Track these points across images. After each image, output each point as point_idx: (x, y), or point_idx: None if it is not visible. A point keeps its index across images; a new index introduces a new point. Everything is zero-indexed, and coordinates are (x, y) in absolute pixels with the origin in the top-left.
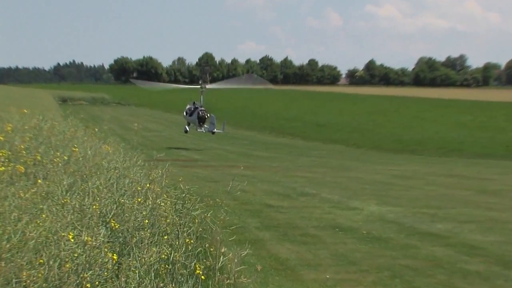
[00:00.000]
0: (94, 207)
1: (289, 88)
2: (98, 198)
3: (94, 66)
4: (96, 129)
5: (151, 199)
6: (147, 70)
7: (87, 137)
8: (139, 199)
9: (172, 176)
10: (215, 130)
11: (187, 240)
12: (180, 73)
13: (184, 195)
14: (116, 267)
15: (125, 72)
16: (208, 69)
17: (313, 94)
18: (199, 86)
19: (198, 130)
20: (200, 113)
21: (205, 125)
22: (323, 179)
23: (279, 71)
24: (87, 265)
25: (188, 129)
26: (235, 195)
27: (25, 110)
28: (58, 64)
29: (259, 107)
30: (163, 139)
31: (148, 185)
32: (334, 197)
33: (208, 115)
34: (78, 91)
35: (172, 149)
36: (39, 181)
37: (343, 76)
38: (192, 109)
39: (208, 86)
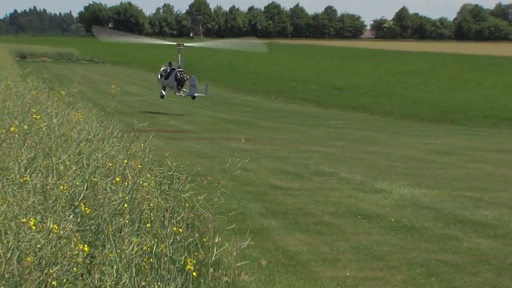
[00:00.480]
0: (60, 187)
1: (301, 43)
2: (65, 177)
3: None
4: (63, 92)
5: (130, 178)
6: (125, 19)
7: (51, 102)
8: (117, 179)
9: (156, 151)
10: (197, 93)
11: (175, 228)
12: (167, 23)
13: (171, 173)
14: (88, 261)
15: (98, 21)
16: (200, 19)
17: (331, 50)
18: (175, 43)
19: (177, 94)
20: (178, 74)
21: (184, 89)
22: (343, 155)
23: (289, 21)
24: (52, 258)
25: (164, 94)
26: (235, 174)
27: None
28: (15, 11)
29: (263, 66)
30: (146, 105)
31: (126, 161)
32: (355, 177)
33: (187, 76)
34: (40, 44)
35: (157, 117)
36: None
37: (368, 28)
38: (168, 70)
39: (187, 44)
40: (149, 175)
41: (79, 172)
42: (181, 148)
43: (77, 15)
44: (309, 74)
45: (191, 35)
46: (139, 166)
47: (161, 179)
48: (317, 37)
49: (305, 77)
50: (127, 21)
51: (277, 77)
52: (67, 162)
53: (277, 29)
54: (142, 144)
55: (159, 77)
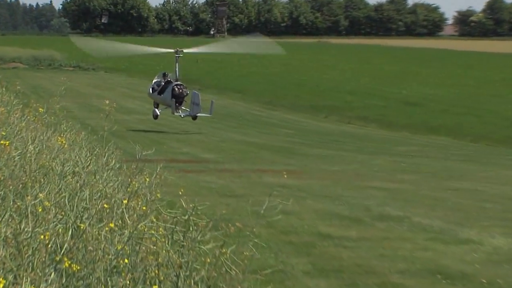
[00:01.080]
0: (38, 237)
1: (359, 42)
2: (44, 223)
3: (38, 5)
4: (42, 110)
5: (131, 223)
6: (124, 12)
7: (26, 123)
8: (111, 225)
9: (166, 187)
10: (200, 113)
11: None
12: (179, 17)
13: (186, 217)
14: None
15: (87, 15)
16: (224, 10)
17: (399, 51)
18: (173, 51)
19: (175, 114)
20: (176, 89)
21: (183, 107)
22: (416, 193)
23: (343, 14)
24: None
25: (158, 113)
26: (272, 219)
27: None
28: None
29: (308, 73)
30: (151, 126)
31: (126, 201)
32: (433, 223)
33: (187, 91)
34: (11, 45)
35: (166, 142)
36: None
37: (449, 22)
38: (163, 83)
39: (186, 50)
40: (156, 220)
41: (62, 216)
42: (199, 183)
43: (60, 7)
44: (370, 84)
45: (212, 32)
46: (143, 207)
47: (172, 226)
48: (381, 34)
49: (365, 89)
50: (126, 14)
51: (327, 88)
52: (47, 203)
53: (326, 24)
54: (147, 179)
55: (151, 91)
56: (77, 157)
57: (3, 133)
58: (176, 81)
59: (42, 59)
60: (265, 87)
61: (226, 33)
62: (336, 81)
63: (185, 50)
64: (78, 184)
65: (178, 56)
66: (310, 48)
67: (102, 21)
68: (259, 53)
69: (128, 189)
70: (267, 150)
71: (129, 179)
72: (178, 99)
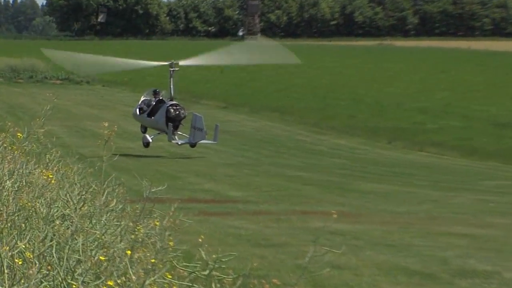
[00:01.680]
0: None
1: (432, 45)
2: (24, 280)
3: (16, 1)
4: (21, 135)
5: (135, 279)
6: (126, 9)
7: (1, 152)
8: (111, 282)
9: (183, 234)
10: (204, 140)
11: None
12: (198, 14)
13: (207, 272)
14: None
15: (80, 13)
16: (257, 5)
17: (485, 56)
18: (167, 63)
19: (173, 141)
20: (172, 110)
21: (179, 132)
22: (508, 242)
23: (411, 8)
24: None
25: (150, 139)
26: (318, 274)
27: None
28: None
29: (365, 86)
30: (161, 154)
31: (129, 251)
32: None
33: (185, 113)
34: None
35: (182, 176)
36: None
37: None
38: (153, 103)
39: (182, 62)
40: (169, 276)
41: (48, 272)
42: (225, 229)
43: (44, 3)
44: (448, 99)
45: (241, 33)
46: (152, 260)
47: (190, 284)
48: (461, 34)
49: (440, 105)
50: (129, 11)
51: (391, 105)
52: (28, 254)
53: (390, 21)
54: (157, 223)
55: (137, 112)
56: (68, 196)
57: None
58: (171, 100)
59: (21, 70)
60: (310, 104)
61: (259, 34)
62: (403, 96)
63: (181, 63)
64: (69, 231)
65: (174, 70)
66: (368, 53)
67: (99, 20)
68: (267, 62)
69: (133, 237)
70: (313, 185)
71: (134, 224)
72: (175, 122)
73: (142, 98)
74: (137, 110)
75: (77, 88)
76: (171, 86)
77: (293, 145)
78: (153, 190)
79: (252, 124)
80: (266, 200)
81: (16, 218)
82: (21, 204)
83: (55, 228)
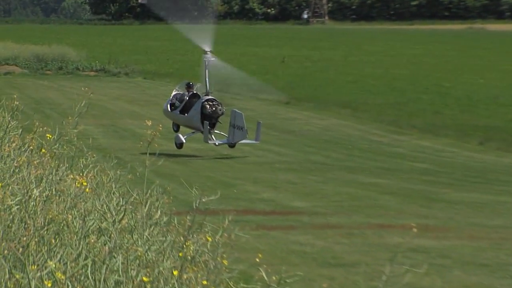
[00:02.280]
0: None
1: None
2: None
3: None
4: (51, 136)
5: None
6: None
7: (28, 156)
8: None
9: (239, 251)
10: (244, 140)
11: None
12: None
13: None
14: None
15: None
16: None
17: None
18: (208, 50)
19: (209, 142)
20: (208, 106)
21: (218, 131)
22: None
23: None
24: None
25: (183, 139)
26: None
27: None
28: None
29: (452, 77)
30: (214, 155)
31: (176, 272)
32: None
33: (223, 109)
34: (3, 40)
35: (237, 184)
36: None
37: None
38: (186, 98)
39: (214, 58)
40: None
41: None
42: (288, 246)
43: None
44: None
45: (305, 15)
46: (204, 282)
47: None
48: None
49: None
50: None
51: (483, 99)
52: (60, 275)
53: (481, 1)
54: (209, 239)
55: (168, 108)
56: (105, 206)
57: None
58: (207, 94)
59: (49, 60)
60: (387, 98)
61: (326, 17)
62: (497, 89)
63: (212, 58)
64: (107, 247)
65: (209, 60)
66: (456, 38)
67: (139, 1)
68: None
69: (181, 254)
70: (391, 195)
71: (183, 239)
72: (211, 120)
73: (174, 92)
74: (168, 105)
75: (114, 80)
76: (207, 79)
77: (368, 147)
78: (203, 200)
79: (319, 122)
80: (336, 211)
81: (45, 232)
82: (50, 216)
83: (90, 244)
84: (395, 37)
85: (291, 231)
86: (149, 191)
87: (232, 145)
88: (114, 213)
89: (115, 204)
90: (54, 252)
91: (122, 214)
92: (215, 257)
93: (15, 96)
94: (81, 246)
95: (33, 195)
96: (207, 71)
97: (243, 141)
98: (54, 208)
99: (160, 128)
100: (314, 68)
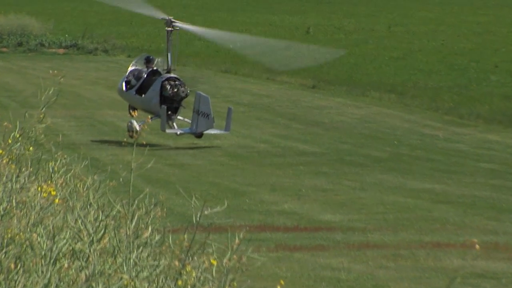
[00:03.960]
0: None
1: None
2: None
3: None
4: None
5: None
6: None
7: None
8: None
9: (253, 278)
10: (210, 130)
11: None
12: None
13: None
14: None
15: None
16: None
17: None
18: (161, 18)
19: (167, 130)
20: (168, 86)
21: (182, 117)
22: None
23: None
24: None
25: (137, 126)
26: None
27: None
28: None
29: None
30: (219, 158)
31: None
32: None
33: (187, 91)
34: None
35: (251, 192)
36: None
37: None
38: (145, 75)
39: (182, 25)
40: None
41: None
42: (316, 271)
43: None
44: None
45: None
46: None
47: None
48: None
49: None
50: None
51: None
52: None
53: None
54: (215, 262)
55: (123, 87)
56: (80, 222)
57: None
58: (168, 72)
59: (4, 34)
60: (444, 80)
61: None
62: None
63: (179, 24)
64: (83, 275)
65: (171, 31)
66: None
67: None
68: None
69: (179, 283)
70: (450, 204)
71: (180, 264)
72: (172, 103)
73: (130, 68)
74: (123, 84)
75: (90, 60)
76: (169, 53)
77: (418, 143)
78: (206, 212)
79: (355, 111)
80: (378, 226)
81: (3, 256)
82: (9, 235)
83: (62, 271)
84: (452, 0)
85: (320, 252)
86: (137, 202)
87: (198, 135)
88: (91, 231)
89: (92, 219)
90: (15, 281)
91: (102, 232)
92: (222, 286)
93: None
94: (49, 273)
95: None
96: (169, 42)
97: (210, 131)
98: (14, 224)
99: (149, 121)
100: (348, 41)
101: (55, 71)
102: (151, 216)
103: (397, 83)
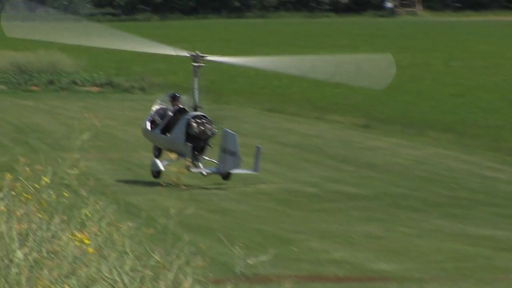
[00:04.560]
0: None
1: None
2: None
3: None
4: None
5: None
6: None
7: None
8: None
9: None
10: (237, 169)
11: None
12: None
13: None
14: None
15: None
16: None
17: None
18: (188, 55)
19: (192, 170)
20: (195, 125)
21: (205, 157)
22: None
23: None
24: None
25: (161, 167)
26: None
27: None
28: None
29: None
30: (264, 202)
31: None
32: None
33: (215, 130)
34: None
35: (299, 240)
36: None
37: None
38: (170, 113)
39: (211, 58)
40: None
41: None
42: None
43: None
44: None
45: (389, 4)
46: None
47: None
48: None
49: None
50: None
51: None
52: None
53: None
54: None
55: (148, 126)
56: (115, 273)
57: None
58: (195, 109)
59: (35, 72)
60: (506, 118)
61: (419, 6)
62: None
63: (209, 58)
64: None
65: (198, 66)
66: None
67: None
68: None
69: None
70: None
71: None
72: (199, 143)
73: (155, 107)
74: (147, 123)
75: (125, 98)
76: (195, 90)
77: (479, 186)
78: (250, 262)
79: (410, 152)
80: (436, 276)
81: None
82: (39, 287)
83: None
84: None
85: None
86: (176, 250)
87: (224, 175)
88: (127, 282)
89: (128, 270)
90: None
91: (138, 283)
92: None
93: None
94: None
95: (15, 259)
96: (196, 79)
97: (237, 170)
98: (45, 276)
99: (189, 163)
100: (402, 77)
101: (87, 111)
102: (192, 266)
103: (456, 122)
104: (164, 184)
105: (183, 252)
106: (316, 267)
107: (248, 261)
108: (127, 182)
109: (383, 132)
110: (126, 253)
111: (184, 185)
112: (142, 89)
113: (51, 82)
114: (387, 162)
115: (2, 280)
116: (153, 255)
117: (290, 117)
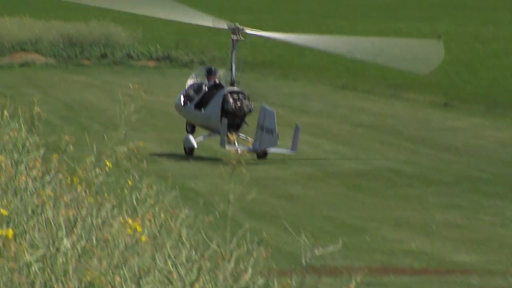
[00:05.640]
0: None
1: None
2: None
3: None
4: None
5: None
6: None
7: (55, 188)
8: None
9: None
10: (274, 148)
11: None
12: None
13: None
14: None
15: None
16: None
17: None
18: (226, 27)
19: (227, 147)
20: (231, 100)
21: (242, 134)
22: None
23: None
24: None
25: (195, 143)
26: None
27: None
28: None
29: None
30: (333, 187)
31: None
32: None
33: (252, 106)
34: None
35: (372, 228)
36: None
37: None
38: (205, 88)
39: (251, 31)
40: None
41: None
42: None
43: None
44: None
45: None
46: None
47: None
48: None
49: None
50: None
51: None
52: None
53: None
54: None
55: (181, 102)
56: (170, 263)
57: (3, 212)
58: (232, 84)
59: (86, 44)
60: None
61: None
62: None
63: (248, 31)
64: None
65: (237, 40)
66: None
67: None
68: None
69: None
70: None
71: None
72: (234, 119)
73: (190, 82)
74: (181, 98)
75: (184, 74)
76: (233, 64)
77: None
78: (318, 252)
79: (494, 134)
80: None
81: None
82: (88, 278)
83: None
84: None
85: None
86: (235, 239)
87: (260, 154)
88: (183, 273)
89: (184, 260)
90: None
91: (195, 275)
92: None
93: (35, 99)
94: None
95: (63, 248)
96: (234, 52)
97: (273, 149)
98: (94, 266)
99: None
100: (487, 52)
101: (140, 87)
102: (253, 257)
103: None
104: (223, 167)
105: (244, 241)
106: (390, 258)
107: (316, 251)
108: (185, 164)
109: (464, 111)
110: (182, 242)
111: (245, 169)
112: (203, 64)
113: (104, 56)
114: (468, 145)
115: (48, 270)
116: (212, 244)
117: (363, 95)
